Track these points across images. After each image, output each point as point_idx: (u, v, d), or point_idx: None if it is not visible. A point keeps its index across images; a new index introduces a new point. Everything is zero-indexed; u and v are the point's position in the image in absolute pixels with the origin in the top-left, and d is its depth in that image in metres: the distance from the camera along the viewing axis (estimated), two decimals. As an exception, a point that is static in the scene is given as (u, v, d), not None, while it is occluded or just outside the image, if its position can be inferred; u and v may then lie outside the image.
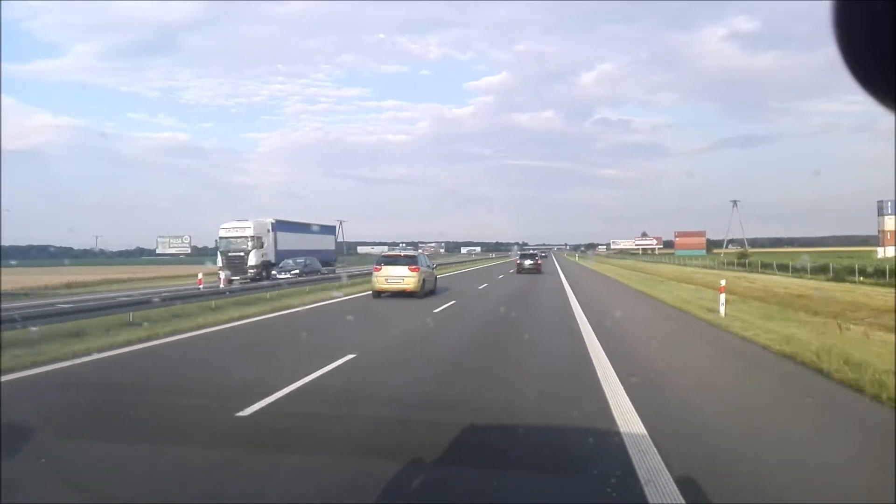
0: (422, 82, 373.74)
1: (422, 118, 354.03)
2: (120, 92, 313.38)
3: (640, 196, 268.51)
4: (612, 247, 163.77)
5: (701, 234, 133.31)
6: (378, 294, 20.30)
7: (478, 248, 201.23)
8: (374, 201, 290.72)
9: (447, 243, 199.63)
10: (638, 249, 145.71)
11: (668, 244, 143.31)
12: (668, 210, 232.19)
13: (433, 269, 23.66)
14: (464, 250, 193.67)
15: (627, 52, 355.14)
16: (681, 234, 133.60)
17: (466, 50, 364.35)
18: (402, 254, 22.71)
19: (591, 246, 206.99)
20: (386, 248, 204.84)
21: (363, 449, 4.93)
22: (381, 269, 20.52)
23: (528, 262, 38.44)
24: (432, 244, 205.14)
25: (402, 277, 19.94)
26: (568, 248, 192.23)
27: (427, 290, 20.89)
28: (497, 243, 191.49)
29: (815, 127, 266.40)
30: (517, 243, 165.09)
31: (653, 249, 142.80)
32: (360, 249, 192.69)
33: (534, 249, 59.74)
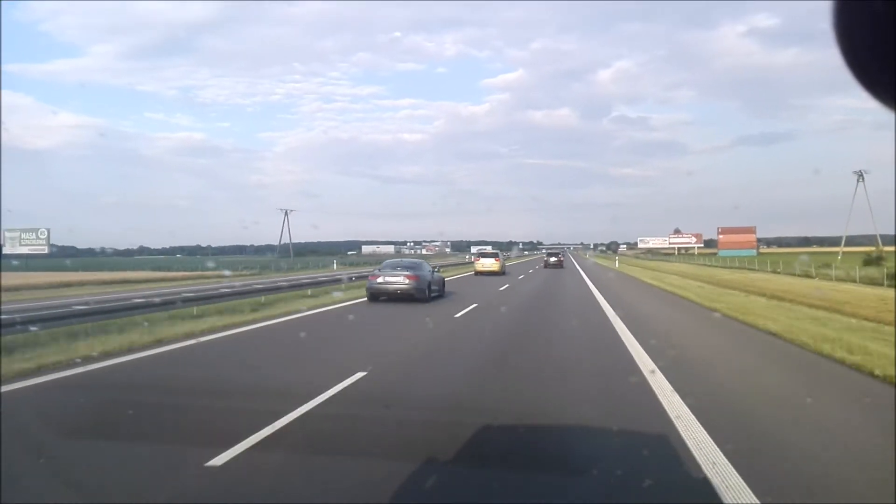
0: (437, 80, 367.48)
1: (437, 116, 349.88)
2: (137, 92, 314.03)
3: (658, 194, 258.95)
4: (640, 245, 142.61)
5: (750, 230, 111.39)
6: (477, 273, 36.30)
7: (489, 248, 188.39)
8: (389, 200, 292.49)
9: (457, 242, 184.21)
10: (673, 248, 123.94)
11: (709, 243, 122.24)
12: (689, 208, 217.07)
13: (505, 259, 42.80)
14: (474, 249, 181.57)
15: (645, 50, 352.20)
16: (726, 231, 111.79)
17: (482, 48, 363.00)
18: (490, 251, 46.36)
19: (614, 244, 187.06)
20: (392, 247, 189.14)
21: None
22: (479, 259, 38.64)
23: (552, 259, 50.81)
24: (437, 243, 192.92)
25: (491, 264, 36.91)
26: (592, 247, 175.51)
27: (503, 272, 36.92)
28: (510, 242, 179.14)
29: (835, 124, 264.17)
30: (518, 243, 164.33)
31: (688, 249, 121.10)
32: (365, 248, 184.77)
33: (547, 249, 71.81)
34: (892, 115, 0.97)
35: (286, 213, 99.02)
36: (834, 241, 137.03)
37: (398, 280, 18.72)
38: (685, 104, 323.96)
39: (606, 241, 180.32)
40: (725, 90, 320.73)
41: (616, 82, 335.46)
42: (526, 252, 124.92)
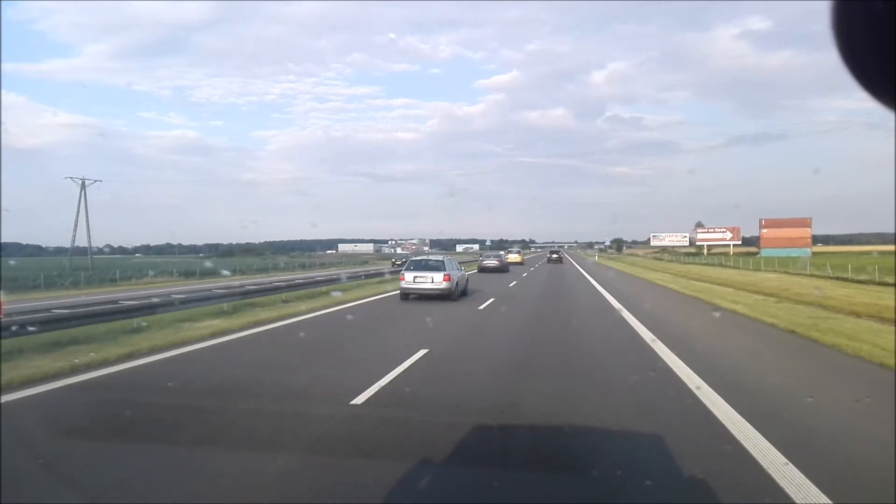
0: (432, 80, 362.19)
1: (432, 116, 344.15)
2: (131, 91, 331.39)
3: (652, 193, 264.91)
4: (654, 243, 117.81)
5: (803, 222, 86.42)
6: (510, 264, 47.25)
7: (475, 247, 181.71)
8: (382, 199, 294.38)
9: (446, 241, 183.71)
10: (701, 247, 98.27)
11: (747, 240, 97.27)
12: (685, 207, 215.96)
13: (523, 253, 62.43)
14: (460, 248, 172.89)
15: (639, 51, 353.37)
16: (771, 224, 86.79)
17: (477, 49, 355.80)
18: (513, 248, 64.22)
19: (618, 242, 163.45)
20: (372, 246, 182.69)
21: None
22: (508, 254, 51.65)
23: (553, 256, 62.92)
24: (414, 241, 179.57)
25: (515, 257, 51.44)
26: (607, 244, 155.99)
27: (523, 262, 52.68)
28: (501, 241, 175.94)
29: (828, 124, 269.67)
30: (485, 241, 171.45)
31: (710, 248, 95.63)
32: (343, 247, 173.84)
33: (550, 249, 76.22)
34: (891, 114, 0.95)
35: (82, 185, 58.76)
36: (838, 241, 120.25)
37: (492, 263, 38.26)
38: (679, 104, 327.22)
39: (602, 240, 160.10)
40: (719, 91, 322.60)
41: (610, 83, 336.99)
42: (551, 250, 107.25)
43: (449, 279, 17.90)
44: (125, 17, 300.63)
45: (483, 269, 36.57)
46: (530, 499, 3.95)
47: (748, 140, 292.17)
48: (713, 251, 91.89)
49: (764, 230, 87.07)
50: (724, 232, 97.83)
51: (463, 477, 4.39)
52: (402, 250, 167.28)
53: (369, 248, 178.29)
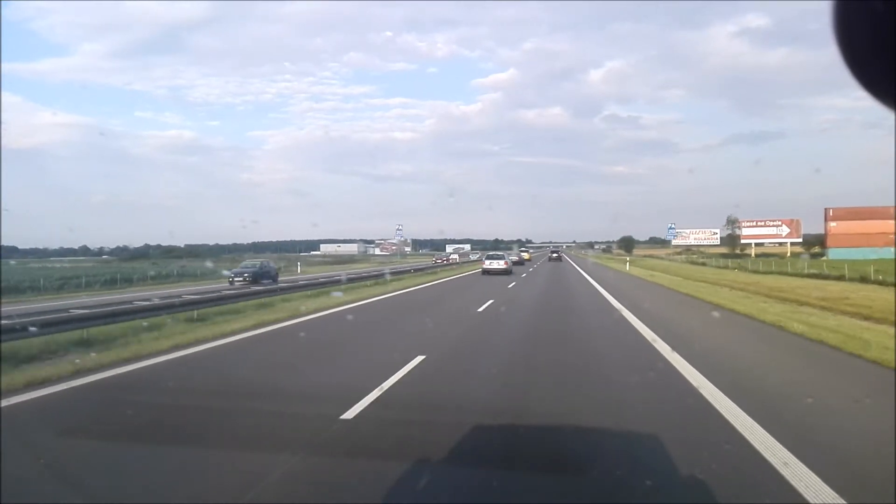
0: (429, 80, 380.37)
1: (429, 115, 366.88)
2: (127, 90, 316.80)
3: (651, 192, 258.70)
4: (678, 242, 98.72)
5: (885, 212, 67.28)
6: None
7: (466, 247, 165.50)
8: (379, 198, 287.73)
9: (436, 241, 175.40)
10: (745, 246, 78.73)
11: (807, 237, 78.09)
12: (685, 206, 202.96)
13: (528, 252, 79.69)
14: (449, 248, 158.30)
15: (637, 50, 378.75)
16: (840, 216, 67.66)
17: (474, 48, 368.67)
18: (521, 249, 78.88)
19: (629, 242, 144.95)
20: (356, 246, 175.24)
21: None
22: (522, 252, 70.26)
23: (553, 255, 70.88)
24: (394, 242, 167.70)
25: (525, 254, 68.49)
26: (618, 245, 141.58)
27: (530, 259, 67.66)
28: (496, 241, 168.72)
29: (825, 123, 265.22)
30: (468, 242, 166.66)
31: (741, 248, 76.33)
32: (325, 248, 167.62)
33: (535, 249, 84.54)
34: (891, 113, 0.96)
35: None
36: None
37: (514, 258, 48.79)
38: (676, 103, 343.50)
39: (620, 237, 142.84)
40: (716, 89, 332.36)
41: (607, 82, 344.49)
42: (551, 249, 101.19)
43: (507, 264, 35.79)
44: (120, 16, 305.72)
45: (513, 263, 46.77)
46: (530, 499, 3.97)
47: (745, 139, 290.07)
48: (787, 252, 72.11)
49: (832, 224, 67.91)
50: (778, 226, 77.97)
51: (463, 477, 4.43)
52: (381, 251, 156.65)
53: (354, 248, 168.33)
